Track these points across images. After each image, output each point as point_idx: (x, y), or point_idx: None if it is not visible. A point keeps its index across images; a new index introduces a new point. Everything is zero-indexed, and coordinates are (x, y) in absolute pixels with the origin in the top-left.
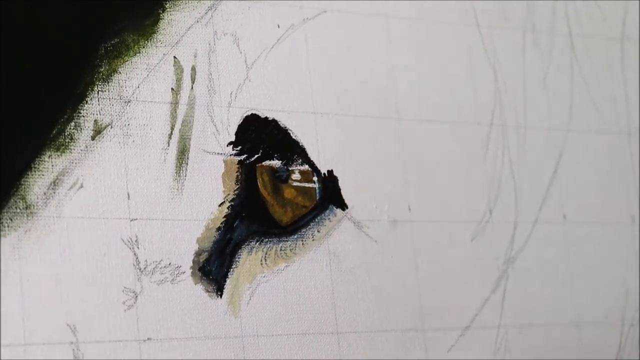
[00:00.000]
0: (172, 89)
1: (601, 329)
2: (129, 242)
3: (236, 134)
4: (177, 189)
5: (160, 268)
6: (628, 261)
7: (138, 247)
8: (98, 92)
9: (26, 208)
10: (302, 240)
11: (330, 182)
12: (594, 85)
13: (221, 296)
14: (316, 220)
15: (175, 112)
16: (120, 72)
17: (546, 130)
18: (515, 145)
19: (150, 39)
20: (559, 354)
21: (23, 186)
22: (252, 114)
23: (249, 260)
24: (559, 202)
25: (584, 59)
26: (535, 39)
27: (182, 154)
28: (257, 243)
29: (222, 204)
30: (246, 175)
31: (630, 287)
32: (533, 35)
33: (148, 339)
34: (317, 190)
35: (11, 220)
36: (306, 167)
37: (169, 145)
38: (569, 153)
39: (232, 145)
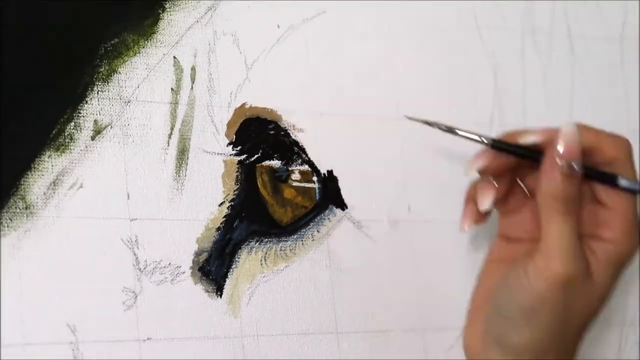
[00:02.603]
0: (172, 89)
1: (601, 330)
2: (128, 242)
3: (236, 133)
4: (177, 189)
5: (160, 268)
6: None
7: (138, 247)
8: (98, 92)
9: (26, 208)
10: (301, 241)
11: (330, 182)
12: (593, 86)
13: (221, 296)
14: (316, 220)
15: (175, 112)
16: (120, 72)
17: None
18: None
19: (150, 39)
20: None
21: (23, 186)
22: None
23: (249, 261)
24: None
25: (584, 60)
26: (534, 39)
27: (182, 154)
28: (257, 243)
29: (221, 204)
30: (246, 176)
31: (630, 288)
32: (532, 36)
33: (148, 338)
34: (317, 190)
35: (11, 220)
36: (306, 167)
37: (168, 145)
38: None
39: (232, 146)
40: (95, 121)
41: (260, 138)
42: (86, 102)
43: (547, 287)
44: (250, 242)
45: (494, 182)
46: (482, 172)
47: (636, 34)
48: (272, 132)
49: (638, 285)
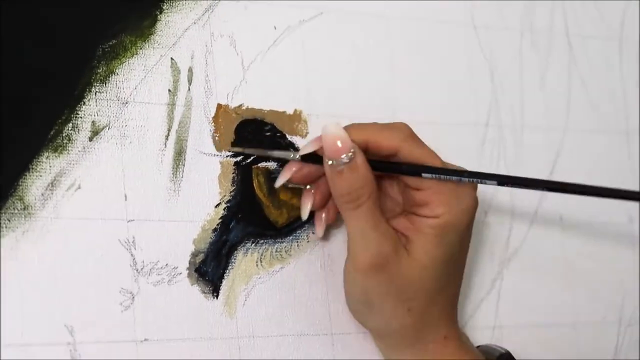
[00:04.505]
0: (169, 90)
1: (598, 329)
2: (126, 243)
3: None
4: (174, 190)
5: (157, 269)
6: (625, 261)
7: (135, 248)
8: (96, 94)
9: (24, 209)
10: (297, 242)
11: None
12: (591, 85)
13: (217, 297)
14: (311, 222)
15: (172, 113)
16: (117, 74)
17: (543, 130)
18: (511, 145)
19: (148, 41)
20: (556, 355)
21: (21, 187)
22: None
23: (245, 262)
24: (555, 203)
25: (582, 59)
26: (532, 39)
27: (179, 155)
28: (253, 244)
29: (218, 205)
30: (242, 177)
31: (627, 287)
32: (531, 35)
33: (145, 339)
34: (312, 192)
35: (9, 221)
36: None
37: (165, 147)
38: (566, 153)
39: (228, 147)
40: (93, 122)
41: (257, 139)
42: (84, 103)
43: (362, 276)
44: (246, 243)
45: (312, 190)
46: (295, 183)
47: (635, 34)
48: (268, 133)
49: (637, 286)
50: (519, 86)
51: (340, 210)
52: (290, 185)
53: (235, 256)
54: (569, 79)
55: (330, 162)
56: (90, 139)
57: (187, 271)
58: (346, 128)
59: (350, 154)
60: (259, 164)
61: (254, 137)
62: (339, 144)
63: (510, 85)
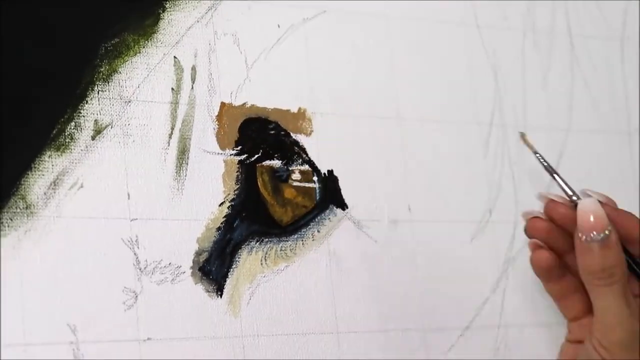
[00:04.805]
0: (172, 88)
1: None
2: (129, 242)
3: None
4: (177, 189)
5: (160, 268)
6: None
7: (138, 247)
8: (98, 92)
9: (26, 208)
10: (302, 240)
11: (330, 182)
12: (593, 85)
13: (221, 296)
14: (316, 220)
15: (176, 112)
16: (120, 72)
17: (546, 130)
18: (515, 145)
19: (151, 39)
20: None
21: (23, 186)
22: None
23: (249, 260)
24: None
25: (584, 59)
26: (535, 39)
27: (182, 153)
28: (257, 243)
29: (222, 203)
30: (246, 175)
31: (631, 287)
32: (533, 35)
33: (148, 338)
34: (317, 190)
35: (11, 220)
36: (306, 167)
37: (169, 145)
38: (568, 153)
39: (232, 145)
40: (96, 121)
41: (261, 138)
42: (86, 101)
43: (611, 353)
44: (251, 242)
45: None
46: (550, 217)
47: (636, 34)
48: (272, 132)
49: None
50: (521, 86)
51: (587, 286)
52: (295, 184)
53: (240, 255)
54: (571, 79)
55: (582, 237)
56: (93, 138)
57: (191, 270)
58: (604, 206)
59: (606, 232)
60: (263, 163)
61: (258, 135)
62: (593, 219)
63: (513, 85)
